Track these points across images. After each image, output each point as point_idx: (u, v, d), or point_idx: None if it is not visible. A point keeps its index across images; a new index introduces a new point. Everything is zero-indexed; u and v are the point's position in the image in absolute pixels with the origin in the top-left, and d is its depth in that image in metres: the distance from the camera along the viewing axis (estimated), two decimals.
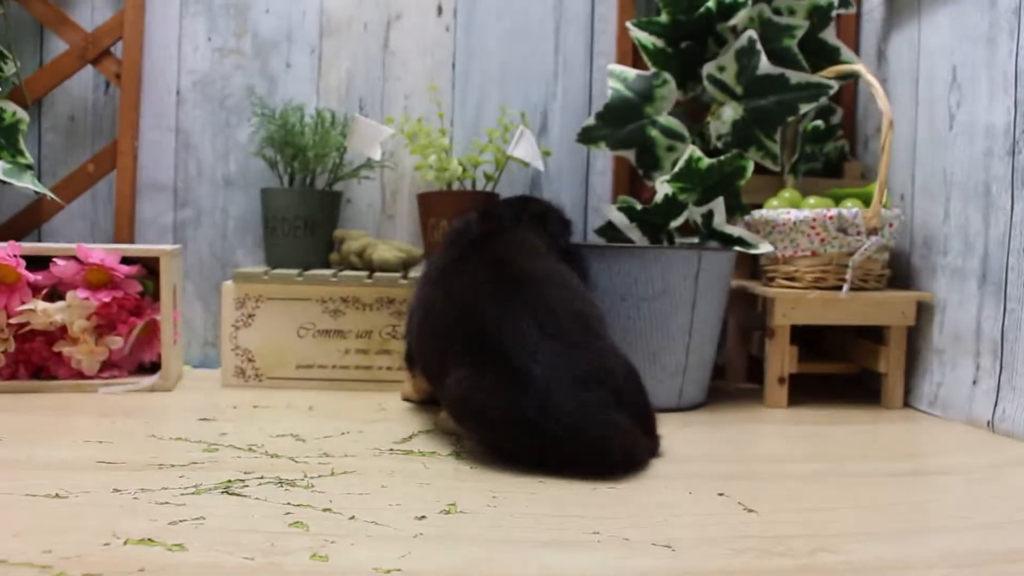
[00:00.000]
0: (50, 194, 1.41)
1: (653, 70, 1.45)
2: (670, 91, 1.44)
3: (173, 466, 0.95)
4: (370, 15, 1.56)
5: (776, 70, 1.40)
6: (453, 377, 0.99)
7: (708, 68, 1.44)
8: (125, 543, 0.71)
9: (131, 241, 1.50)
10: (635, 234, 1.40)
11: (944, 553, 0.75)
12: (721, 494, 0.91)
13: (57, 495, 0.83)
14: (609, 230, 1.45)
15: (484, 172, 1.49)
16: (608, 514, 0.83)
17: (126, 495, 0.84)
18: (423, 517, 0.81)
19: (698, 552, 0.74)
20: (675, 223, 1.39)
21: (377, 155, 1.39)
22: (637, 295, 1.28)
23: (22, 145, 1.42)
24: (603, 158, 1.61)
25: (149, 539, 0.73)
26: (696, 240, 1.41)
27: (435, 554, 0.71)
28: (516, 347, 0.95)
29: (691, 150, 1.37)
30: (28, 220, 1.48)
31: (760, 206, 1.44)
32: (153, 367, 1.38)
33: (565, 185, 1.60)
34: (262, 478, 0.91)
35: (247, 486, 0.88)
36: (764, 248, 1.36)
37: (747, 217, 1.42)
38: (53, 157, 1.55)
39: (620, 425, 0.94)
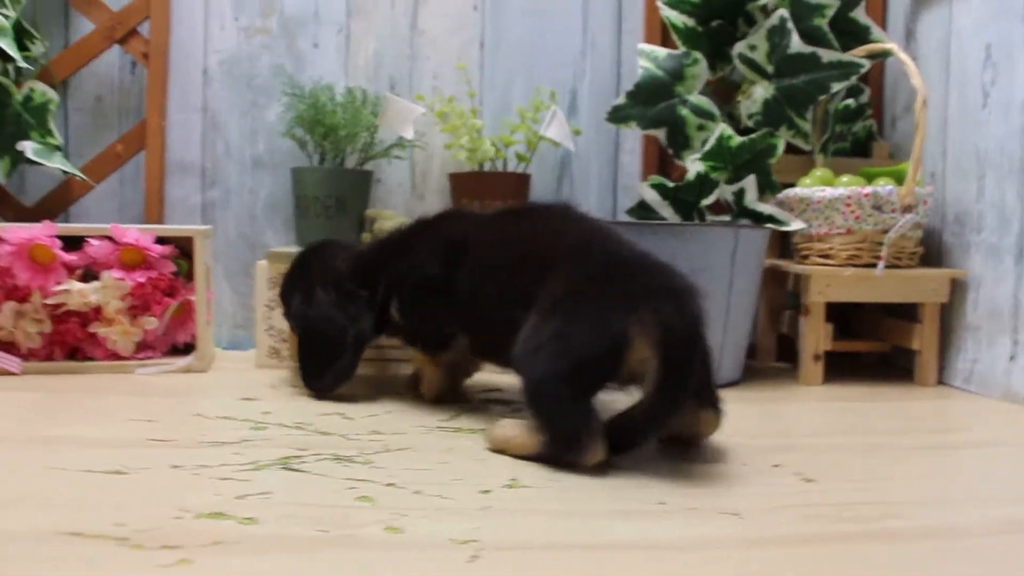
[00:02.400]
0: (80, 174, 1.41)
1: (683, 49, 1.45)
2: (701, 70, 1.44)
3: (225, 443, 0.95)
4: None
5: (808, 49, 1.40)
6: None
7: (739, 47, 1.44)
8: (196, 516, 0.72)
9: (160, 221, 1.50)
10: (668, 212, 1.41)
11: (1005, 521, 0.76)
12: (776, 465, 0.91)
13: (117, 471, 0.83)
14: (639, 210, 1.45)
15: (516, 152, 1.48)
16: (668, 485, 0.84)
17: (185, 471, 0.84)
18: (488, 491, 0.81)
19: (767, 519, 0.74)
20: (706, 201, 1.39)
21: (410, 134, 1.38)
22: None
23: (51, 125, 1.41)
24: (632, 137, 1.61)
25: (220, 512, 0.73)
26: (728, 218, 1.41)
27: (505, 525, 0.72)
28: None
29: (722, 128, 1.37)
30: (57, 201, 1.47)
31: (789, 185, 1.44)
32: (187, 348, 1.37)
33: (594, 164, 1.60)
34: (318, 454, 0.91)
35: (305, 462, 0.89)
36: (796, 225, 1.36)
37: (779, 195, 1.43)
38: (80, 137, 1.54)
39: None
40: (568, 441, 0.86)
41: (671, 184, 1.41)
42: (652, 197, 1.40)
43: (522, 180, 1.47)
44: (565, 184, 1.59)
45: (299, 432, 1.00)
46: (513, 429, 0.92)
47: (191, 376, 1.31)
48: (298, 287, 1.19)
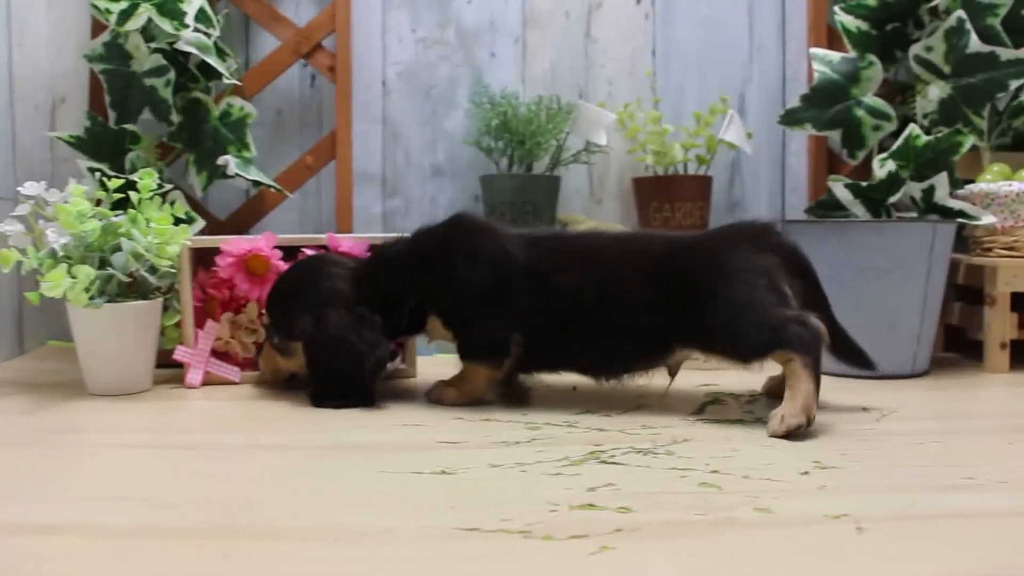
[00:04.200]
0: (278, 187, 1.44)
1: (855, 53, 1.49)
2: (876, 72, 1.48)
3: (515, 443, 0.97)
4: (571, 4, 1.59)
5: (986, 48, 1.44)
6: None
7: (915, 49, 1.48)
8: (571, 508, 0.75)
9: (350, 231, 1.53)
10: (859, 209, 1.44)
11: None
12: None
13: (443, 472, 0.86)
14: (818, 208, 1.49)
15: (697, 155, 1.52)
16: (960, 463, 0.90)
17: (506, 469, 0.87)
18: (806, 472, 0.85)
19: None
20: (892, 198, 1.43)
21: (603, 140, 1.42)
22: (878, 266, 1.33)
23: (249, 139, 1.44)
24: (798, 139, 1.65)
25: (590, 504, 0.76)
26: (914, 215, 1.45)
27: (857, 501, 0.77)
28: None
29: (911, 128, 1.41)
30: (250, 213, 1.51)
31: (968, 181, 1.49)
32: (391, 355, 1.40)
33: (763, 166, 1.64)
34: (617, 448, 0.95)
35: (614, 456, 0.92)
36: (987, 219, 1.40)
37: (961, 191, 1.47)
38: (261, 151, 1.57)
39: None
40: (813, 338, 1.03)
41: (863, 183, 1.44)
42: (844, 195, 1.44)
43: (705, 182, 1.51)
44: (736, 186, 1.63)
45: (575, 430, 1.04)
46: (793, 399, 1.01)
47: (400, 382, 1.34)
48: (301, 307, 1.15)
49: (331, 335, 1.12)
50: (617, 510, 0.75)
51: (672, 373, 1.18)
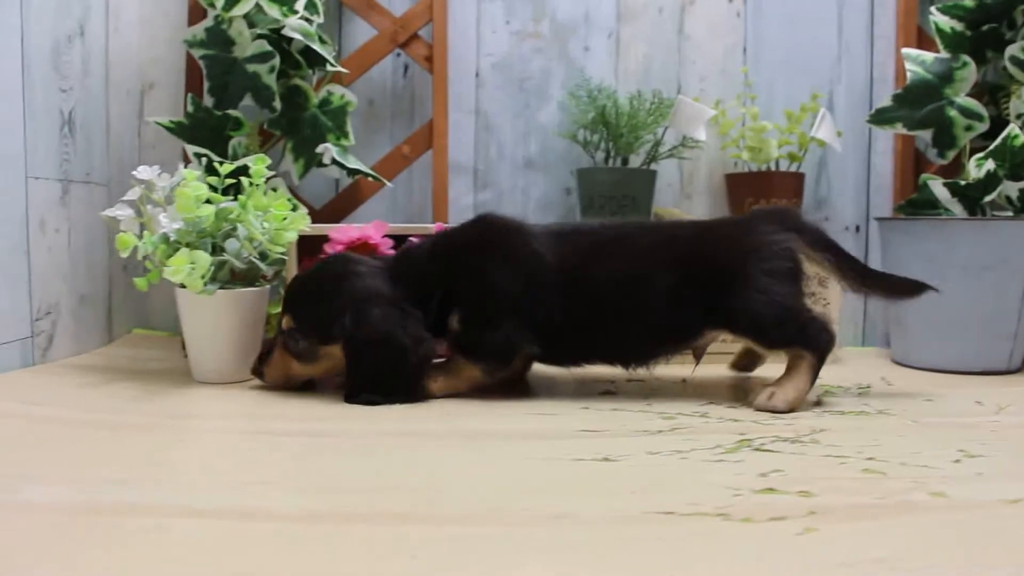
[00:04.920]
0: (378, 176, 1.45)
1: (947, 54, 1.50)
2: (970, 73, 1.49)
3: (660, 432, 0.98)
4: (665, 0, 1.60)
5: None
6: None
7: (1011, 50, 1.49)
8: (754, 492, 0.75)
9: (445, 221, 1.54)
10: (956, 208, 1.46)
11: None
12: None
13: (605, 459, 0.87)
14: (908, 207, 1.50)
15: (789, 153, 1.53)
16: None
17: (665, 456, 0.87)
18: (957, 460, 0.86)
19: None
20: (988, 197, 1.45)
21: (702, 135, 1.43)
22: (978, 264, 1.34)
23: (348, 128, 1.45)
24: (884, 139, 1.66)
25: (770, 489, 0.77)
26: (1009, 214, 1.46)
27: (1011, 485, 0.78)
28: None
29: (1010, 128, 1.42)
30: (346, 201, 1.52)
31: None
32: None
33: (849, 165, 1.65)
34: (763, 437, 0.96)
35: (764, 444, 0.93)
36: None
37: None
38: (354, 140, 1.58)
39: None
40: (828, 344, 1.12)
41: (961, 182, 1.46)
42: (942, 194, 1.45)
43: (798, 179, 1.52)
44: (823, 184, 1.64)
45: (709, 419, 1.05)
46: (796, 388, 1.10)
47: None
48: (336, 305, 1.11)
49: (376, 331, 1.09)
50: (798, 494, 0.75)
51: (698, 356, 1.23)
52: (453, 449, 0.90)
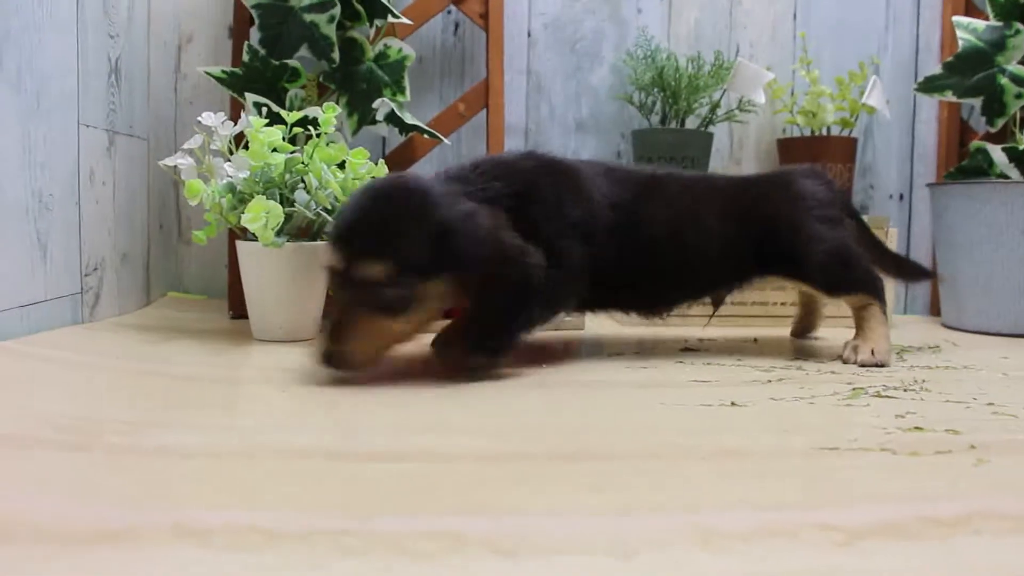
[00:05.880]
0: (436, 134, 1.41)
1: (998, 21, 1.52)
2: (1022, 40, 1.52)
3: (769, 382, 0.98)
4: None
5: None
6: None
7: None
8: (905, 431, 0.76)
9: None
10: (1013, 173, 1.48)
11: None
12: None
13: (733, 403, 0.86)
14: (958, 173, 1.52)
15: (842, 119, 1.54)
16: None
17: (790, 402, 0.87)
18: None
19: None
20: None
21: (761, 99, 1.43)
22: None
23: (405, 83, 1.41)
24: (928, 107, 1.68)
25: (917, 427, 0.77)
26: None
27: None
28: None
29: None
30: (401, 158, 1.48)
31: None
32: None
33: (894, 133, 1.67)
34: (872, 385, 0.96)
35: (878, 392, 0.93)
36: None
37: None
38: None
39: None
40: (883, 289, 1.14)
41: (1021, 147, 1.48)
42: (1001, 159, 1.47)
43: (851, 144, 1.53)
44: (868, 151, 1.66)
45: (808, 371, 1.05)
46: (879, 337, 1.11)
47: (570, 332, 1.34)
48: (424, 226, 0.89)
49: (505, 248, 0.91)
50: (947, 432, 0.75)
51: (718, 304, 1.21)
52: (585, 396, 0.89)
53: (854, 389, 0.94)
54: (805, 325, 1.34)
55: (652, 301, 1.15)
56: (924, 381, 0.99)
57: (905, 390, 0.94)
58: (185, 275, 1.60)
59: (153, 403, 0.82)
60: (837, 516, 0.54)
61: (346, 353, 0.88)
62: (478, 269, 0.90)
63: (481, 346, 0.94)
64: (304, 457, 0.64)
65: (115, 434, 0.68)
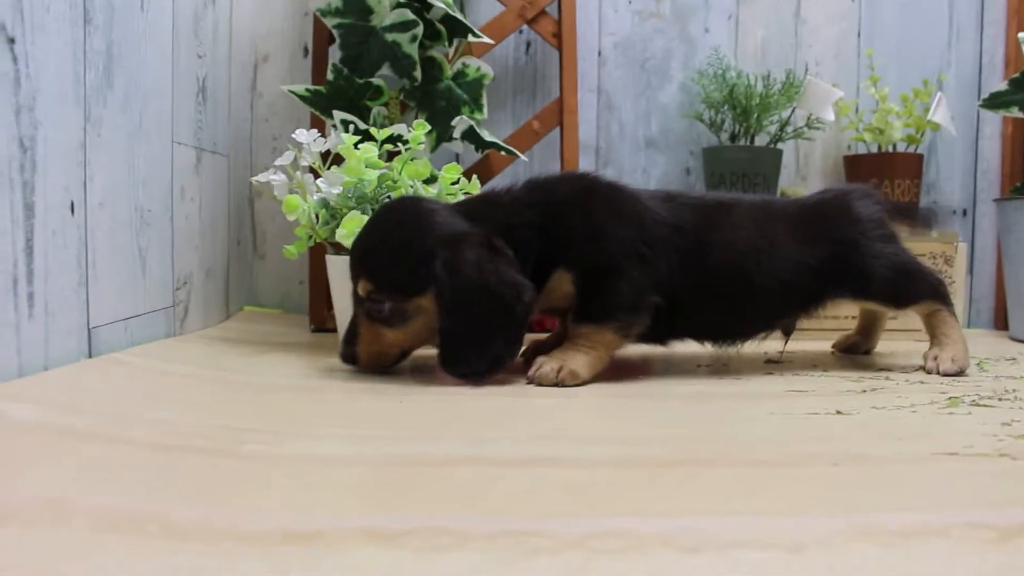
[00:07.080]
0: (514, 151, 1.45)
1: None
2: None
3: (864, 392, 1.00)
4: None
5: None
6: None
7: None
8: (1016, 438, 0.77)
9: None
10: None
11: None
12: None
13: (838, 412, 0.88)
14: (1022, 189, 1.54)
15: (908, 135, 1.56)
16: None
17: (893, 411, 0.89)
18: None
19: None
20: None
21: (831, 116, 1.45)
22: None
23: (483, 100, 1.45)
24: (992, 123, 1.70)
25: (1021, 435, 0.79)
26: None
27: None
28: None
29: None
30: (479, 174, 1.51)
31: None
32: None
33: (957, 150, 1.69)
34: (966, 395, 0.98)
35: (975, 401, 0.94)
36: None
37: None
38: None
39: None
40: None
41: None
42: None
43: (918, 160, 1.55)
44: (932, 168, 1.68)
45: (899, 383, 1.07)
46: (954, 343, 1.15)
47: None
48: (417, 252, 0.97)
49: (476, 276, 0.95)
50: None
51: (788, 334, 1.20)
52: (695, 407, 0.92)
53: (950, 399, 0.96)
54: (858, 342, 1.33)
55: (729, 329, 1.13)
56: (1015, 391, 1.01)
57: (1000, 399, 0.96)
58: (259, 290, 1.64)
59: (278, 413, 0.84)
60: (986, 517, 0.56)
61: (355, 354, 1.02)
62: (451, 296, 0.95)
63: (451, 367, 0.97)
64: (451, 464, 0.66)
65: (257, 443, 0.71)
